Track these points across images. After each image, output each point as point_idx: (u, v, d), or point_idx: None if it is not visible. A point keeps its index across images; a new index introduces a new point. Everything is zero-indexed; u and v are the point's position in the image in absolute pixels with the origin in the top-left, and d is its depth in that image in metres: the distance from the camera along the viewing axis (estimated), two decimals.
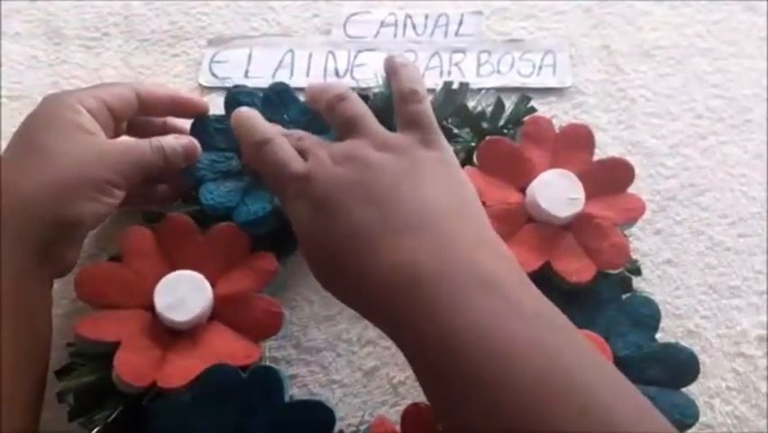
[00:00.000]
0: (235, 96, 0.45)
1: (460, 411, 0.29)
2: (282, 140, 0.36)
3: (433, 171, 0.34)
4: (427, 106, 0.37)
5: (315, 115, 0.44)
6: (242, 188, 0.42)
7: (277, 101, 0.45)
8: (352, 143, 0.36)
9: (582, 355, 0.29)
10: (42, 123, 0.38)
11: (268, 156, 0.36)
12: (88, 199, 0.37)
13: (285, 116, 0.44)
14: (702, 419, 0.38)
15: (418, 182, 0.34)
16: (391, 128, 0.42)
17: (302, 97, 0.46)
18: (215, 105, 0.50)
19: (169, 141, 0.41)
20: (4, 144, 0.48)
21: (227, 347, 0.37)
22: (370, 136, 0.36)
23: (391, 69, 0.39)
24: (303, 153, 0.36)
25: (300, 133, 0.38)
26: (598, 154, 0.45)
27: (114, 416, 0.37)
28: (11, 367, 0.34)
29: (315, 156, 0.35)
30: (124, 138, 0.41)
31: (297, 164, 0.35)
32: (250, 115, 0.38)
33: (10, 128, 0.49)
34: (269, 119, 0.43)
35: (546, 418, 0.26)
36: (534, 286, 0.31)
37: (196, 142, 0.42)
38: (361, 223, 0.32)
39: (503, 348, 0.28)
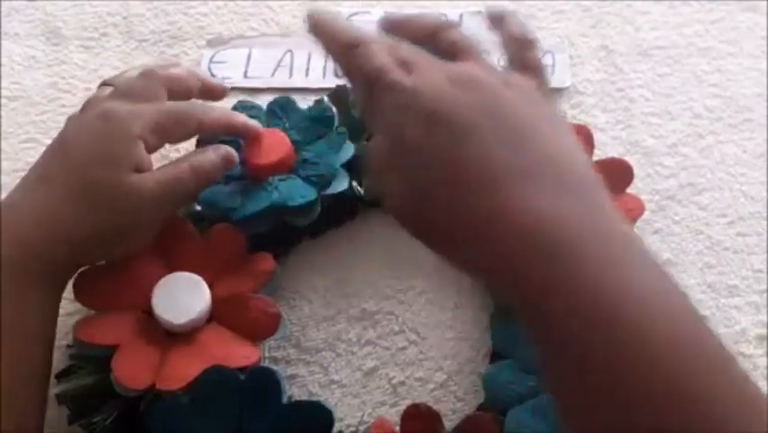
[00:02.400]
0: (239, 110, 0.45)
1: (611, 401, 0.24)
2: (378, 46, 0.31)
3: (561, 123, 0.30)
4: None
5: (314, 121, 0.45)
6: (241, 190, 0.42)
7: (279, 112, 0.45)
8: (470, 67, 0.30)
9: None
10: (101, 154, 0.36)
11: (360, 60, 0.30)
12: (127, 244, 0.38)
13: (286, 124, 0.45)
14: None
15: (554, 129, 0.29)
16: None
17: (302, 105, 0.46)
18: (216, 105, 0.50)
19: (211, 158, 0.39)
20: (3, 144, 0.49)
21: (226, 349, 0.37)
22: (491, 68, 0.31)
23: (496, 19, 0.35)
24: (407, 63, 0.30)
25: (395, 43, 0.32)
26: (597, 154, 0.45)
27: (112, 419, 0.37)
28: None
29: (424, 70, 0.29)
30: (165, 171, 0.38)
31: (400, 73, 0.29)
32: (330, 18, 0.33)
33: (9, 128, 0.50)
34: (270, 126, 0.44)
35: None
36: None
37: (233, 151, 0.41)
38: (497, 155, 0.27)
39: (676, 324, 0.24)
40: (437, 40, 0.33)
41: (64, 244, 0.35)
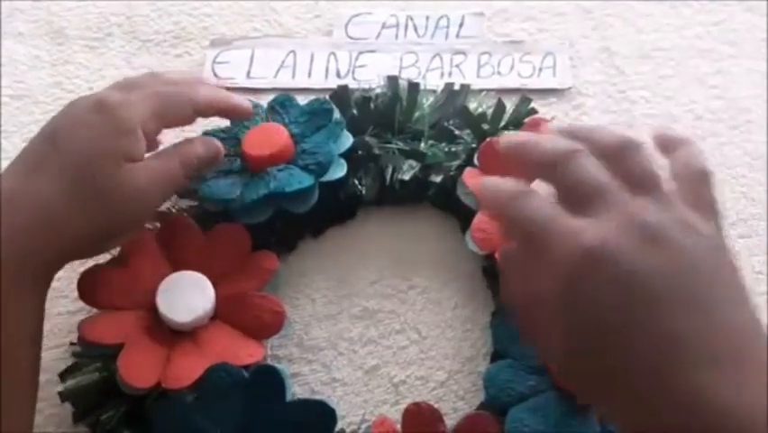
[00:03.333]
0: None
1: None
2: (538, 194, 0.28)
3: (740, 275, 0.27)
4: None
5: (312, 115, 0.45)
6: (240, 183, 0.42)
7: (279, 109, 0.46)
8: (653, 213, 0.26)
9: None
10: (95, 147, 0.35)
11: (530, 209, 0.28)
12: (120, 238, 0.38)
13: (286, 119, 0.45)
14: None
15: (738, 289, 0.26)
16: (394, 132, 0.42)
17: (301, 101, 0.46)
18: None
19: (199, 152, 0.39)
20: (5, 144, 0.49)
21: (230, 347, 0.38)
22: (670, 205, 0.27)
23: (666, 143, 0.30)
24: (583, 195, 0.27)
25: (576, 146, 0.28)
26: None
27: (118, 417, 0.37)
28: None
29: (610, 219, 0.26)
30: (156, 162, 0.38)
31: (579, 224, 0.27)
32: (493, 181, 0.31)
33: (13, 127, 0.50)
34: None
35: None
36: None
37: (219, 144, 0.41)
38: (682, 333, 0.25)
39: None
40: (621, 163, 0.28)
41: (57, 240, 0.34)
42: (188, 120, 0.40)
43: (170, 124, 0.39)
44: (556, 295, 0.26)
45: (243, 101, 0.42)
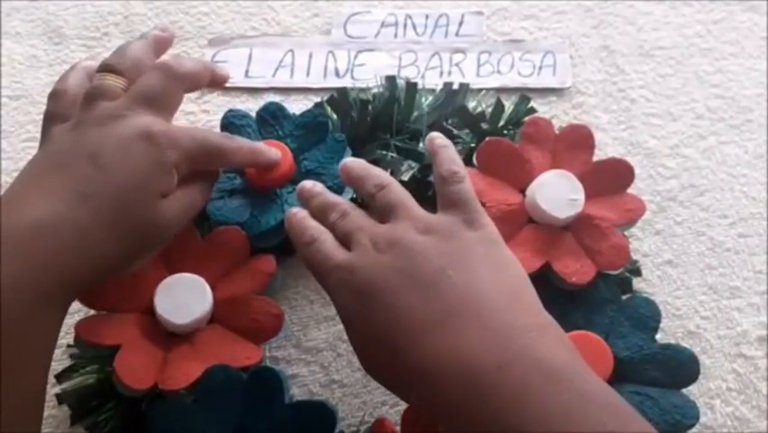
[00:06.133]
0: (230, 120, 0.44)
1: None
2: (327, 236, 0.36)
3: (479, 253, 0.33)
4: (468, 186, 0.36)
5: (308, 129, 0.44)
6: (249, 203, 0.42)
7: (270, 120, 0.44)
8: (394, 227, 0.35)
9: None
10: (141, 180, 0.35)
11: (312, 253, 0.35)
12: (140, 263, 0.37)
13: (280, 132, 0.44)
14: (702, 419, 0.38)
15: (465, 266, 0.32)
16: (392, 132, 0.42)
17: (296, 108, 0.45)
18: (216, 105, 0.50)
19: (212, 181, 0.41)
20: (4, 144, 0.49)
21: (228, 350, 0.37)
22: (412, 219, 0.35)
23: (432, 151, 0.38)
24: (346, 237, 0.35)
25: (343, 206, 0.37)
26: (598, 155, 0.44)
27: (115, 419, 0.37)
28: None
29: (358, 243, 0.34)
30: (182, 195, 0.38)
31: (340, 255, 0.34)
32: (299, 216, 0.37)
33: (11, 128, 0.50)
34: (265, 137, 0.43)
35: None
36: (592, 370, 0.30)
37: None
38: (406, 311, 0.31)
39: None
40: (375, 201, 0.37)
41: (89, 266, 0.34)
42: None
43: (199, 169, 0.39)
44: (336, 308, 0.34)
45: (274, 159, 0.42)
